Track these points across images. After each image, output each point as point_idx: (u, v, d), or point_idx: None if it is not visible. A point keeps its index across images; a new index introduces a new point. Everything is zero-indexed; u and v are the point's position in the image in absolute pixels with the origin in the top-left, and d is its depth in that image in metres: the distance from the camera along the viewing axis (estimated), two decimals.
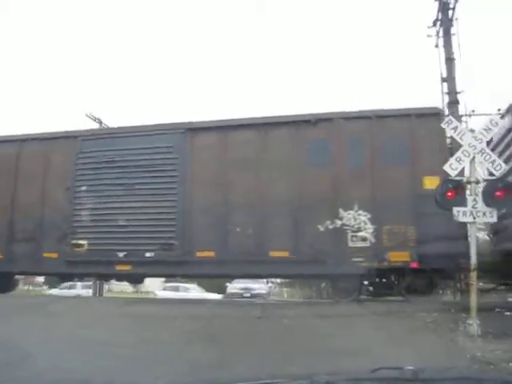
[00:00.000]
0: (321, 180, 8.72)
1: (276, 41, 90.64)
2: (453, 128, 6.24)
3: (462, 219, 6.01)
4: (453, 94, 12.76)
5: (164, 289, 20.89)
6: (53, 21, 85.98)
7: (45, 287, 34.13)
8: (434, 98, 22.27)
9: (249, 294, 16.70)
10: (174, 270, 9.72)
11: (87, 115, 21.02)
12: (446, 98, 12.86)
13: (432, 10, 14.22)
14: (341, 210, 8.54)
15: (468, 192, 5.97)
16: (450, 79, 12.87)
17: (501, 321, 6.25)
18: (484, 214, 5.92)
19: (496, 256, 8.76)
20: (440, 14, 13.51)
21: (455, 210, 5.96)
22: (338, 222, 8.51)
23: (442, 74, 13.08)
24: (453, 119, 6.35)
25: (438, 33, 13.75)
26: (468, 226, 6.30)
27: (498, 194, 5.87)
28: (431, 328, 5.98)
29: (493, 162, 6.02)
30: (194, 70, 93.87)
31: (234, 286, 17.37)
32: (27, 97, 75.95)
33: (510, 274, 8.86)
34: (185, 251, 9.12)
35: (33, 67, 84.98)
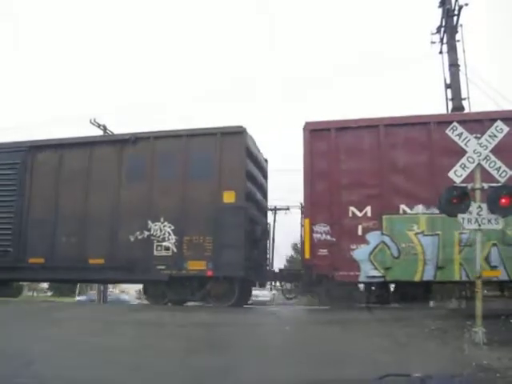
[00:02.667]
0: (136, 194, 9.47)
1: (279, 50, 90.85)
2: (457, 134, 6.19)
3: (467, 226, 5.94)
4: (457, 100, 12.61)
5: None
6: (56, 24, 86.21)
7: (49, 293, 34.46)
8: (439, 104, 22.31)
9: (252, 301, 16.68)
10: (8, 275, 10.23)
11: (91, 122, 20.83)
12: (451, 104, 12.82)
13: (436, 17, 14.04)
14: (149, 222, 9.27)
15: (473, 199, 5.89)
16: (454, 85, 12.78)
17: (506, 328, 6.19)
18: (489, 220, 5.85)
19: None
20: (444, 20, 13.55)
21: (460, 216, 5.88)
22: (146, 233, 9.24)
23: (445, 80, 13.07)
24: (457, 126, 6.27)
25: (442, 39, 13.77)
26: (474, 232, 6.16)
27: (502, 200, 5.76)
28: (436, 335, 5.94)
29: (498, 169, 5.95)
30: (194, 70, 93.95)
31: None
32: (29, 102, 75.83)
33: None
34: (19, 258, 9.92)
35: (38, 74, 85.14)
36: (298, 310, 11.96)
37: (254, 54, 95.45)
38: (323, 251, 8.37)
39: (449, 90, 12.92)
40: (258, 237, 9.39)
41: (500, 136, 6.04)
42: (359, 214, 8.39)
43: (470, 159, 6.03)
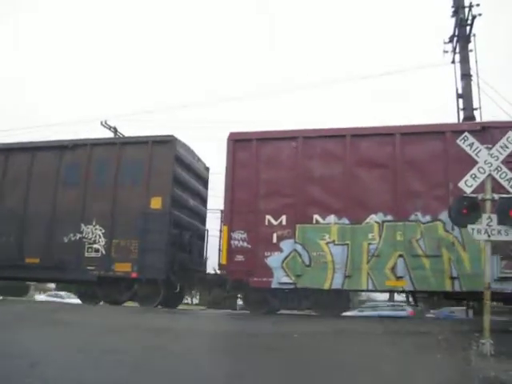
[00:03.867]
0: (71, 198, 9.95)
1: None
2: (469, 144, 6.19)
3: (476, 237, 5.93)
4: (469, 109, 12.68)
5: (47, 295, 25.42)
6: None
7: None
8: (450, 114, 22.29)
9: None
10: None
11: (102, 124, 21.37)
12: (462, 114, 12.82)
13: (449, 27, 13.98)
14: (82, 225, 9.74)
15: (483, 210, 5.89)
16: (466, 95, 12.86)
17: None
18: (499, 232, 5.82)
19: None
20: (457, 29, 13.67)
21: (470, 227, 5.90)
22: (79, 235, 9.71)
23: (457, 89, 13.13)
24: (469, 135, 6.27)
25: (454, 49, 13.88)
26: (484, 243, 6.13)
27: None
28: (443, 346, 5.87)
29: (509, 180, 5.93)
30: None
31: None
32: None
33: None
34: None
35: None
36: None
37: (254, 54, 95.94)
38: (240, 257, 8.66)
39: (460, 100, 12.99)
40: (186, 241, 9.70)
41: (511, 147, 6.01)
42: (275, 223, 8.68)
43: (480, 170, 6.05)
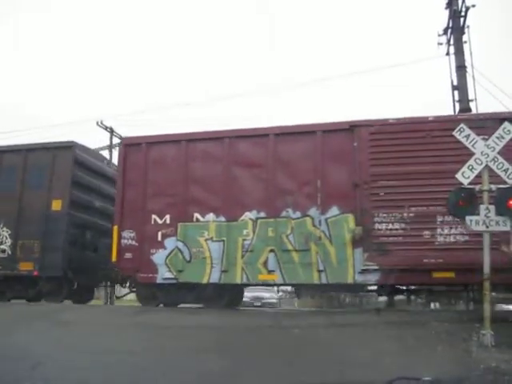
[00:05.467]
0: None
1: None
2: (465, 136, 6.28)
3: (475, 228, 6.01)
4: (464, 101, 12.82)
5: None
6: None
7: None
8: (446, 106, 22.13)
9: (259, 303, 16.89)
10: None
11: (98, 124, 21.48)
12: (458, 106, 12.97)
13: (443, 18, 14.12)
14: None
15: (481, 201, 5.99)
16: (461, 87, 12.97)
17: None
18: (497, 222, 5.90)
19: None
20: (451, 21, 13.73)
21: (468, 218, 5.98)
22: None
23: (452, 81, 13.24)
24: (465, 127, 6.33)
25: (449, 41, 13.96)
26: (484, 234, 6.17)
27: (511, 202, 5.87)
28: (444, 338, 5.88)
29: (506, 171, 5.99)
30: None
31: (245, 295, 17.51)
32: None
33: None
34: None
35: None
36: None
37: (254, 55, 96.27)
38: (128, 255, 9.20)
39: (456, 92, 13.11)
40: (89, 241, 10.30)
41: (507, 138, 6.09)
42: (160, 222, 9.19)
43: (477, 161, 6.11)
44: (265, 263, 8.62)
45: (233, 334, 6.52)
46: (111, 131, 22.05)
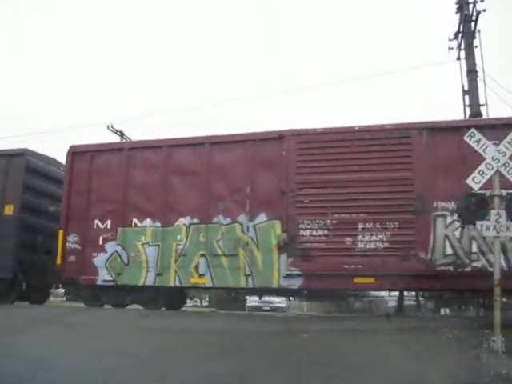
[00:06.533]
0: None
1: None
2: (476, 141, 6.28)
3: (485, 233, 6.05)
4: (475, 106, 12.87)
5: None
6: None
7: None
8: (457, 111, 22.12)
9: (268, 308, 17.33)
10: None
11: (109, 128, 21.69)
12: (468, 111, 12.99)
13: (454, 23, 14.26)
14: None
15: (491, 206, 5.98)
16: (472, 91, 13.05)
17: None
18: (508, 228, 5.88)
19: None
20: (462, 26, 13.87)
21: (478, 224, 6.00)
22: None
23: (463, 86, 13.35)
24: (475, 132, 6.34)
25: (459, 45, 14.10)
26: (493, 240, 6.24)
27: None
28: (454, 344, 5.89)
29: None
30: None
31: (254, 300, 17.20)
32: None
33: None
34: None
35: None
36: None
37: (254, 55, 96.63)
38: (72, 258, 9.66)
39: (467, 97, 13.19)
40: (40, 244, 10.77)
41: None
42: (101, 226, 9.62)
43: (488, 166, 6.09)
44: (196, 267, 8.98)
45: (240, 339, 6.56)
46: (121, 134, 22.41)
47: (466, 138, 6.33)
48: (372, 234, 8.32)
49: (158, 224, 9.30)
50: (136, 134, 26.88)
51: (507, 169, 5.98)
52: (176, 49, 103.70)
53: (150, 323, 7.77)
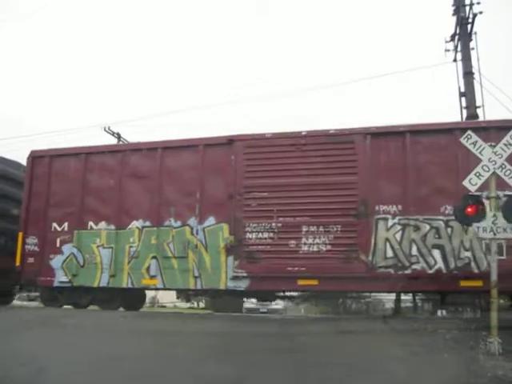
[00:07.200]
0: None
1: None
2: (472, 143, 6.26)
3: (482, 235, 6.05)
4: (472, 108, 13.04)
5: None
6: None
7: None
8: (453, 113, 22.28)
9: (265, 310, 17.47)
10: None
11: (105, 130, 21.65)
12: (465, 113, 13.23)
13: (450, 25, 14.65)
14: None
15: (488, 208, 6.01)
16: (468, 93, 13.20)
17: None
18: (504, 229, 5.88)
19: None
20: (458, 28, 14.01)
21: (475, 225, 6.02)
22: None
23: (460, 88, 13.51)
24: (472, 134, 6.32)
25: (456, 47, 14.26)
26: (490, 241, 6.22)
27: None
28: (451, 345, 5.89)
29: None
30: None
31: (251, 301, 17.18)
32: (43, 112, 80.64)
33: None
34: None
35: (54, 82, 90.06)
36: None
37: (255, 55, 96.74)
38: (31, 259, 9.92)
39: (463, 98, 13.38)
40: (2, 246, 11.02)
41: None
42: (59, 229, 9.88)
43: (484, 168, 6.10)
44: (148, 269, 9.22)
45: (237, 341, 6.57)
46: (118, 137, 22.47)
47: (463, 140, 6.32)
48: (315, 237, 8.52)
49: (113, 227, 9.54)
50: (134, 137, 27.15)
51: (503, 171, 6.02)
52: (176, 49, 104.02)
53: (144, 325, 7.93)
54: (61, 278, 9.68)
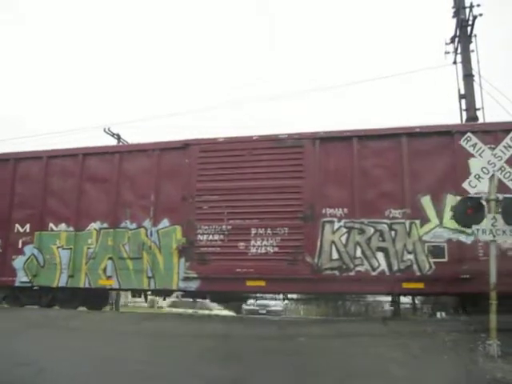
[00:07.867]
0: None
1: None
2: (472, 145, 6.26)
3: (481, 237, 6.05)
4: (471, 110, 13.17)
5: None
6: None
7: None
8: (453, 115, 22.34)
9: (265, 311, 17.61)
10: None
11: (105, 131, 21.80)
12: (465, 115, 13.36)
13: (450, 27, 14.70)
14: None
15: (487, 210, 6.02)
16: (468, 95, 13.32)
17: None
18: (504, 232, 5.90)
19: None
20: (458, 30, 14.15)
21: (475, 228, 6.02)
22: None
23: (459, 90, 13.63)
24: (472, 136, 6.30)
25: (456, 49, 14.41)
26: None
27: None
28: (450, 347, 5.91)
29: None
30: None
31: (251, 303, 17.72)
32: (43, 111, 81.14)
33: None
34: None
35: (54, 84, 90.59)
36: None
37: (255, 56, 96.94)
38: None
39: (463, 101, 13.50)
40: None
41: None
42: (21, 230, 10.16)
43: (484, 170, 6.10)
44: (104, 269, 9.48)
45: (237, 343, 6.62)
46: (118, 138, 22.68)
47: (463, 143, 6.32)
48: (263, 239, 8.73)
49: (72, 228, 9.80)
50: (134, 138, 27.33)
51: (503, 173, 6.03)
52: (175, 49, 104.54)
53: (144, 326, 8.11)
54: (22, 278, 9.95)
